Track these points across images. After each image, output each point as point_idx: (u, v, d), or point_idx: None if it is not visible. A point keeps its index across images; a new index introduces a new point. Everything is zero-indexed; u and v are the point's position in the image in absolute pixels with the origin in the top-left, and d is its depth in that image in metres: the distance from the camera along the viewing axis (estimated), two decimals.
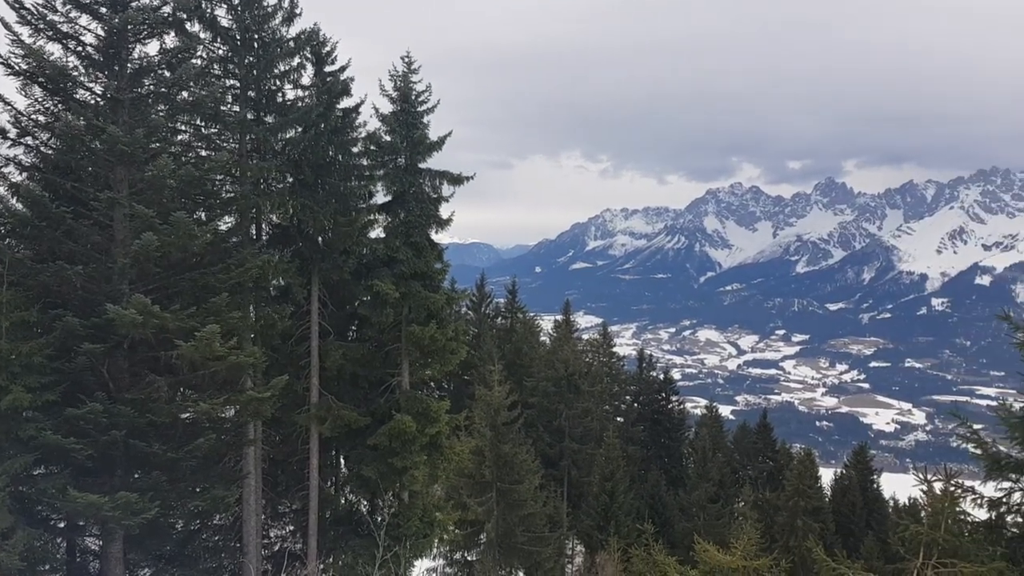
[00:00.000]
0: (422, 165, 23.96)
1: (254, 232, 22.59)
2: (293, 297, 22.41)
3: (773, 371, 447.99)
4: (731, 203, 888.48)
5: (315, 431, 23.10)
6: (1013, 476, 12.35)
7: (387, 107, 23.75)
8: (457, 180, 24.30)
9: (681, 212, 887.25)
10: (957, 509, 12.26)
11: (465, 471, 29.39)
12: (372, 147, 23.76)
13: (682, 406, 56.08)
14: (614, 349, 57.04)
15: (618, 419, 51.61)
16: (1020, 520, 12.53)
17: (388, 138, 23.64)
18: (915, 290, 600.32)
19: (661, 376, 55.88)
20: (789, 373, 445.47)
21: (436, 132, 24.11)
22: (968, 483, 12.75)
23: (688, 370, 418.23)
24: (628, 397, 54.74)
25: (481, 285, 50.83)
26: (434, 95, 23.88)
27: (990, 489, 12.67)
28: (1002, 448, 12.88)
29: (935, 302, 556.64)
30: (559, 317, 54.48)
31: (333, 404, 22.76)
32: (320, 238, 22.81)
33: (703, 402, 71.03)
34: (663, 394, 53.88)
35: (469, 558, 30.67)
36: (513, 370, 44.03)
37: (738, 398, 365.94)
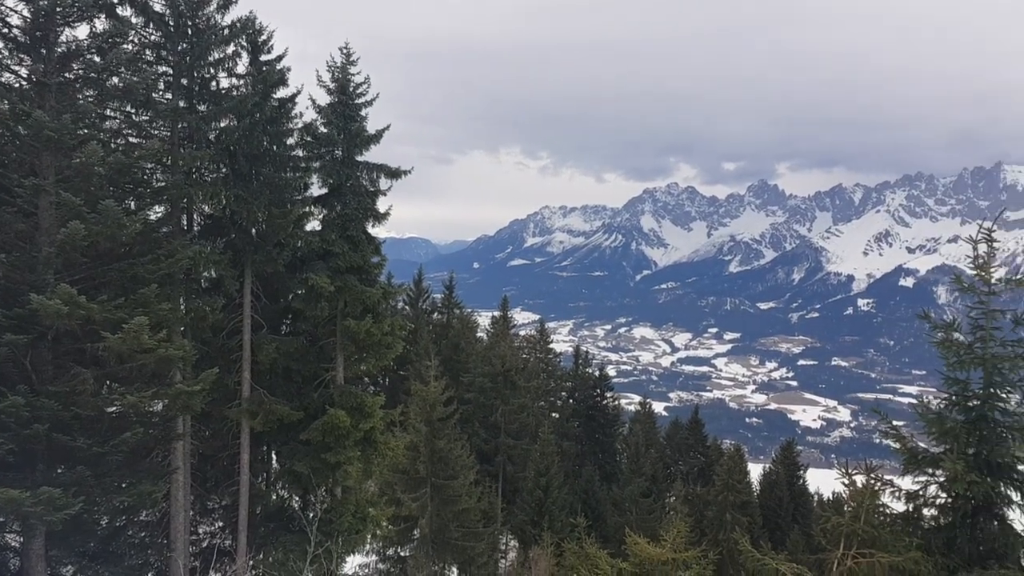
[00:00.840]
0: (359, 158, 23.74)
1: (185, 222, 22.11)
2: (225, 289, 21.97)
3: (705, 368, 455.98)
4: (667, 203, 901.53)
5: (246, 426, 22.75)
6: (929, 470, 12.80)
7: (324, 98, 23.47)
8: (395, 174, 24.13)
9: (619, 211, 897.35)
10: (877, 502, 12.65)
11: (399, 467, 29.26)
12: (308, 138, 23.43)
13: (617, 402, 56.75)
14: (551, 346, 57.40)
15: (554, 415, 51.98)
16: (935, 512, 13.00)
17: (325, 130, 23.35)
18: (842, 291, 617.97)
19: (597, 373, 56.48)
20: (721, 370, 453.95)
21: (374, 125, 23.97)
22: (888, 477, 13.17)
23: (623, 367, 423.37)
24: (564, 393, 55.18)
25: (419, 280, 50.63)
26: (373, 87, 23.71)
27: (908, 483, 13.11)
28: (921, 444, 13.33)
29: (861, 303, 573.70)
30: (497, 313, 54.67)
31: (265, 398, 22.42)
32: (254, 230, 22.42)
33: (637, 398, 71.95)
34: (598, 390, 54.45)
35: (402, 554, 30.58)
36: (449, 366, 43.98)
37: (671, 395, 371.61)
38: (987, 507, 12.30)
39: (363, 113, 23.58)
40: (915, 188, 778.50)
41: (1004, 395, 12.52)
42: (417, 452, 28.75)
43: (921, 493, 13.02)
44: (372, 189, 24.03)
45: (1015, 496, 12.35)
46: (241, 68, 22.27)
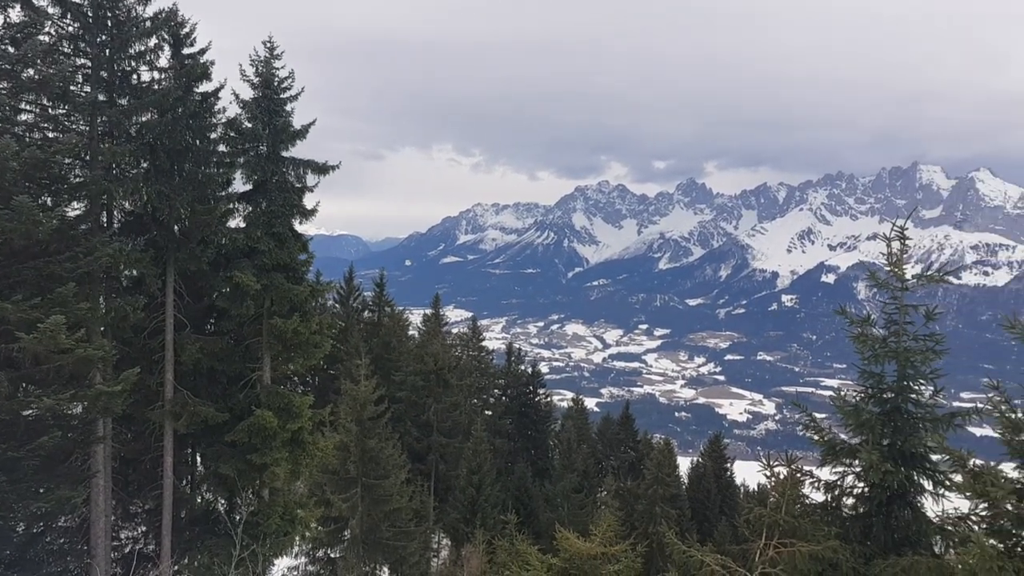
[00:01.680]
0: (285, 153, 23.35)
1: (105, 219, 21.48)
2: (147, 288, 21.43)
3: (636, 364, 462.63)
4: (599, 200, 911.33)
5: (169, 428, 22.22)
6: (847, 460, 13.21)
7: (249, 93, 23.02)
8: (323, 169, 23.81)
9: (551, 208, 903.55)
10: (798, 493, 12.99)
11: (329, 467, 28.94)
12: (232, 134, 22.97)
13: (549, 399, 57.10)
14: (483, 343, 57.46)
15: (486, 412, 52.02)
16: (853, 501, 13.42)
17: (249, 125, 22.90)
18: (767, 287, 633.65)
19: (529, 370, 56.71)
20: (651, 366, 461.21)
21: (301, 120, 23.63)
22: (808, 468, 13.55)
23: (555, 363, 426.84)
24: (497, 391, 55.27)
25: (349, 278, 50.11)
26: (300, 82, 23.38)
27: (827, 473, 13.51)
28: (841, 435, 13.74)
29: (785, 298, 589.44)
30: (429, 311, 54.48)
31: (189, 400, 21.93)
32: (176, 227, 21.90)
33: (569, 395, 72.45)
34: (531, 387, 54.68)
35: (332, 555, 30.24)
36: (381, 364, 43.65)
37: (603, 390, 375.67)
38: (901, 496, 12.73)
39: (288, 108, 23.21)
40: (836, 187, 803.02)
41: (917, 387, 12.98)
42: (347, 452, 28.47)
43: (839, 483, 13.42)
44: (299, 185, 23.66)
45: (927, 484, 12.83)
46: (163, 61, 21.72)
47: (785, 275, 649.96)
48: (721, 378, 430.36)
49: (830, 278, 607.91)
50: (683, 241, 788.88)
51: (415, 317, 60.66)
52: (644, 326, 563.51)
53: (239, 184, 23.56)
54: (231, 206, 23.01)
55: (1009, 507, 11.02)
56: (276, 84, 23.02)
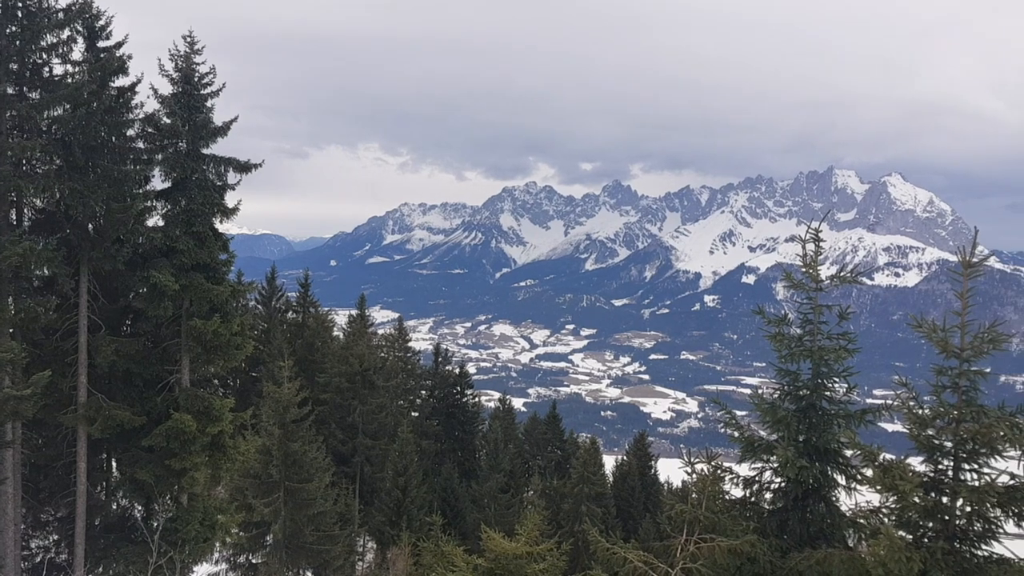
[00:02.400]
0: (206, 151, 22.85)
1: (15, 217, 20.78)
2: (59, 288, 20.74)
3: (563, 364, 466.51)
4: (526, 201, 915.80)
5: (83, 432, 21.51)
6: (764, 457, 13.54)
7: (168, 88, 22.45)
8: (245, 167, 23.36)
9: (479, 209, 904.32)
10: (718, 489, 13.27)
11: (251, 471, 28.39)
12: (150, 130, 22.38)
13: (476, 400, 57.07)
14: (410, 344, 57.11)
15: (413, 414, 51.74)
16: (770, 496, 13.77)
17: (168, 120, 22.31)
18: (690, 287, 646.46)
19: (456, 370, 56.60)
20: (578, 366, 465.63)
21: (223, 116, 23.18)
22: (728, 464, 13.85)
23: (483, 364, 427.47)
24: (424, 392, 55.03)
25: (272, 278, 49.19)
26: (222, 77, 22.88)
27: (746, 469, 13.83)
28: (762, 432, 14.06)
29: (707, 299, 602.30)
30: (354, 312, 53.84)
31: (104, 403, 21.27)
32: (91, 225, 21.28)
33: (497, 395, 72.61)
34: (458, 388, 54.59)
35: (254, 560, 29.71)
36: (305, 366, 43.01)
37: (530, 390, 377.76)
38: (816, 490, 13.10)
39: (209, 104, 22.70)
40: (756, 190, 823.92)
41: (831, 385, 13.40)
42: (270, 455, 27.97)
43: (758, 479, 13.75)
44: (220, 183, 23.16)
45: (841, 479, 13.25)
46: (77, 54, 21.10)
47: (708, 276, 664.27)
48: (646, 377, 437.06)
49: (750, 279, 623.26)
50: (609, 242, 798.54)
51: (340, 318, 59.87)
52: (571, 326, 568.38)
53: (158, 182, 22.97)
54: (149, 204, 22.40)
55: (916, 499, 11.44)
56: (196, 80, 22.49)
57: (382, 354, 50.96)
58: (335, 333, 53.13)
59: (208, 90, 22.70)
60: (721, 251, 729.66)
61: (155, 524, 22.03)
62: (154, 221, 22.83)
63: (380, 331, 62.55)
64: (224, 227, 23.69)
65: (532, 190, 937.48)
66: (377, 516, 36.87)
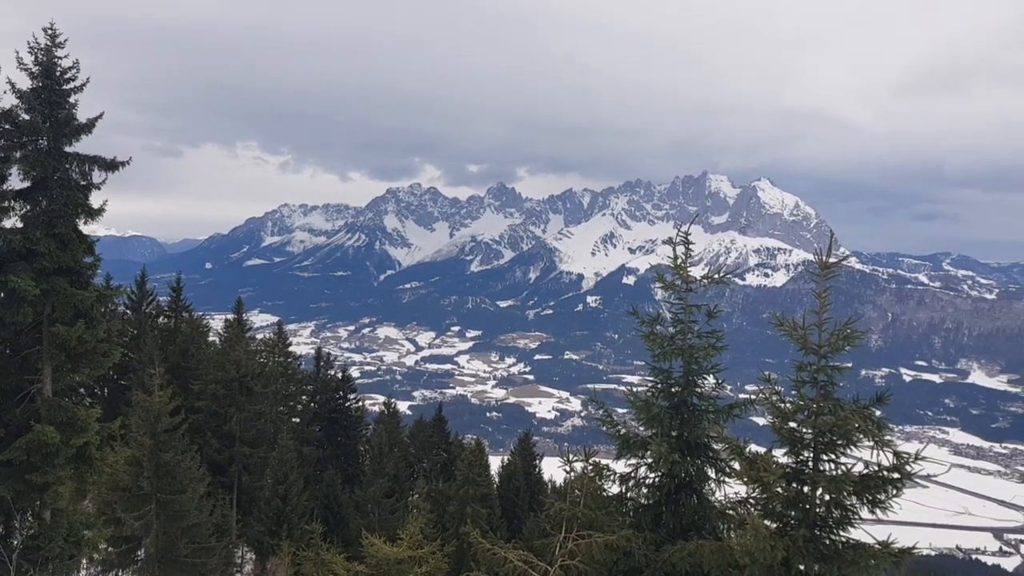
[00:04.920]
0: (69, 149, 21.68)
1: None
2: None
3: (449, 366, 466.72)
4: (411, 203, 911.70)
5: None
6: (640, 453, 13.94)
7: (27, 83, 21.20)
8: (111, 166, 22.29)
9: (362, 210, 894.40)
10: (596, 485, 13.56)
11: (120, 483, 27.14)
12: (7, 126, 21.07)
13: (360, 404, 56.44)
14: (291, 348, 55.87)
15: (294, 420, 50.70)
16: (645, 491, 14.17)
17: (27, 117, 21.08)
18: (573, 288, 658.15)
19: (339, 375, 55.78)
20: (463, 367, 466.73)
21: (88, 112, 22.01)
22: (605, 461, 14.17)
23: (367, 367, 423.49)
24: (305, 397, 54.01)
25: (142, 282, 47.26)
26: (87, 71, 21.75)
27: (623, 466, 14.19)
28: (641, 429, 14.43)
29: (590, 299, 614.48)
30: (231, 316, 52.25)
31: None
32: None
33: (382, 399, 71.92)
34: (341, 392, 53.85)
35: None
36: (178, 373, 41.51)
37: (416, 393, 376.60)
38: (688, 484, 13.58)
39: (72, 100, 21.54)
40: (636, 194, 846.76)
41: (700, 381, 13.93)
42: (140, 467, 26.81)
43: (633, 475, 14.14)
44: (84, 183, 22.01)
45: (711, 472, 13.77)
46: None
47: (590, 277, 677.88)
48: (531, 377, 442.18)
49: (630, 280, 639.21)
50: (494, 244, 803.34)
51: (216, 323, 58.11)
52: (456, 328, 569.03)
53: (16, 181, 21.66)
54: (6, 204, 21.10)
55: (780, 490, 11.98)
56: (59, 74, 21.31)
57: (261, 359, 49.61)
58: (211, 338, 51.52)
59: (71, 85, 21.54)
60: (603, 253, 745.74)
61: (14, 542, 20.78)
62: (12, 222, 21.51)
63: (259, 336, 60.94)
64: (90, 228, 22.54)
65: (417, 191, 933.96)
66: (256, 526, 35.89)
